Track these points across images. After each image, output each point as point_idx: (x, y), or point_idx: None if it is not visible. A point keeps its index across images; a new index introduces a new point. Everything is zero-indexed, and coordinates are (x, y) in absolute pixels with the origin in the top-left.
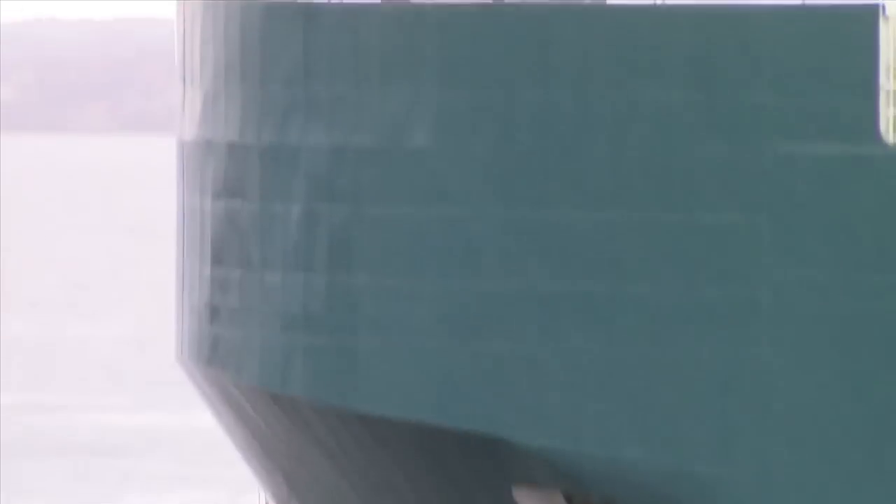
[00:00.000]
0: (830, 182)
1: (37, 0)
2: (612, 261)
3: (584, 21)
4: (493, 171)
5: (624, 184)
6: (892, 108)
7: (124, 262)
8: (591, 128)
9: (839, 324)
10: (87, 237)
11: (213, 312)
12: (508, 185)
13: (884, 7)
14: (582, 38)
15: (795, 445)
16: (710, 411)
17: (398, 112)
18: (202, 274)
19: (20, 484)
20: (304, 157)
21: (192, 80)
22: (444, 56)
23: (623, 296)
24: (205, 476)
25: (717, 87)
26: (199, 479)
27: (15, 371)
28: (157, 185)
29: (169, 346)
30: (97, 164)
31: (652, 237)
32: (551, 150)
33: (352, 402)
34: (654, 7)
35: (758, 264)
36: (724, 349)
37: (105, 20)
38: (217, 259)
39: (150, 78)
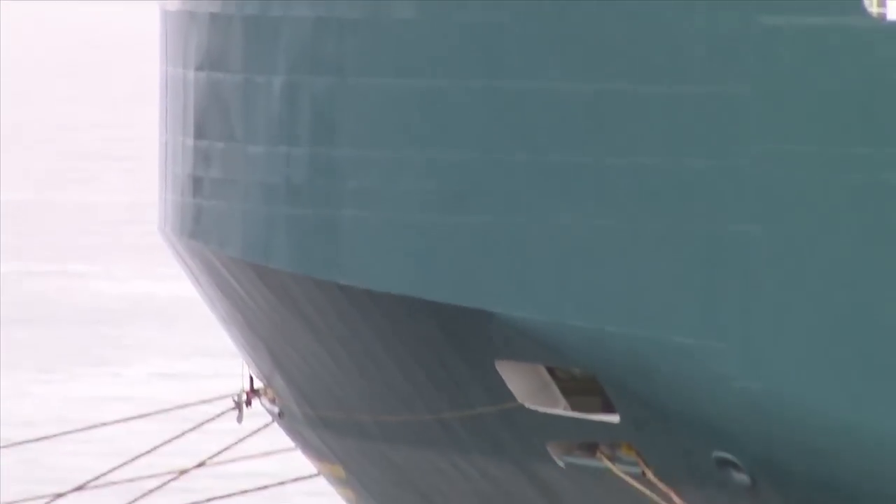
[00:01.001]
0: (815, 54)
1: None
2: (596, 131)
3: None
4: (478, 42)
5: (608, 54)
6: None
7: (120, 129)
8: None
9: (823, 196)
10: (82, 106)
11: (196, 184)
12: (493, 56)
13: None
14: None
15: (779, 318)
16: (694, 284)
17: None
18: (185, 145)
19: (16, 352)
20: (287, 28)
21: None
22: None
23: (607, 167)
24: (211, 345)
25: None
26: (206, 348)
27: (6, 237)
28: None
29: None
30: (93, 31)
31: (636, 108)
32: (536, 20)
33: (334, 275)
34: None
35: (743, 137)
36: (708, 222)
37: None
38: (200, 131)
39: None
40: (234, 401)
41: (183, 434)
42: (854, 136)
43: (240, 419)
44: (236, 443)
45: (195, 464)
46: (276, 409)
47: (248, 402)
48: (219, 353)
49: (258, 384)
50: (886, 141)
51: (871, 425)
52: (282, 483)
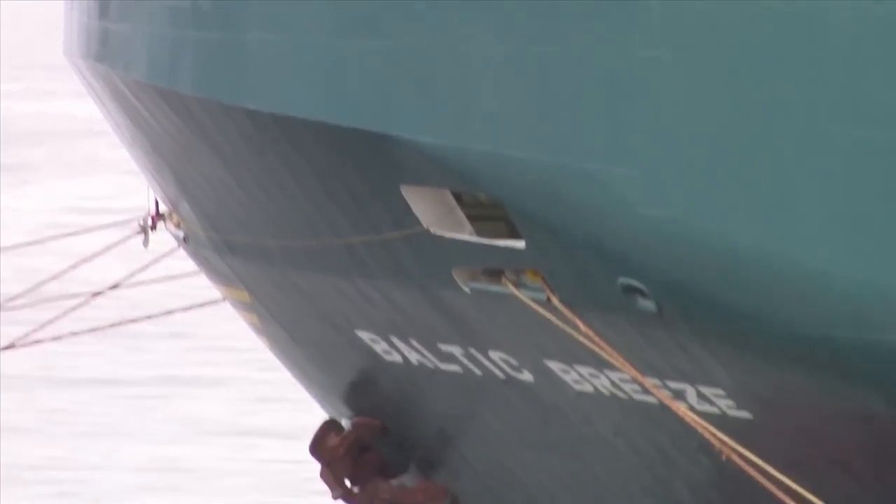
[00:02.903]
0: None
1: None
2: None
3: None
4: None
5: None
6: None
7: None
8: None
9: (729, 27)
10: None
11: (103, 7)
12: None
13: None
14: None
15: (686, 145)
16: (601, 110)
17: None
18: None
19: None
20: None
21: None
22: None
23: None
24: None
25: None
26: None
27: None
28: None
29: None
30: None
31: None
32: None
33: (240, 99)
34: None
35: None
36: (616, 47)
37: None
38: None
39: None
40: (139, 225)
41: (90, 258)
42: None
43: (146, 243)
44: (141, 269)
45: (100, 289)
46: (181, 234)
47: (154, 227)
48: (126, 173)
49: (164, 209)
50: None
51: (776, 251)
52: (187, 309)
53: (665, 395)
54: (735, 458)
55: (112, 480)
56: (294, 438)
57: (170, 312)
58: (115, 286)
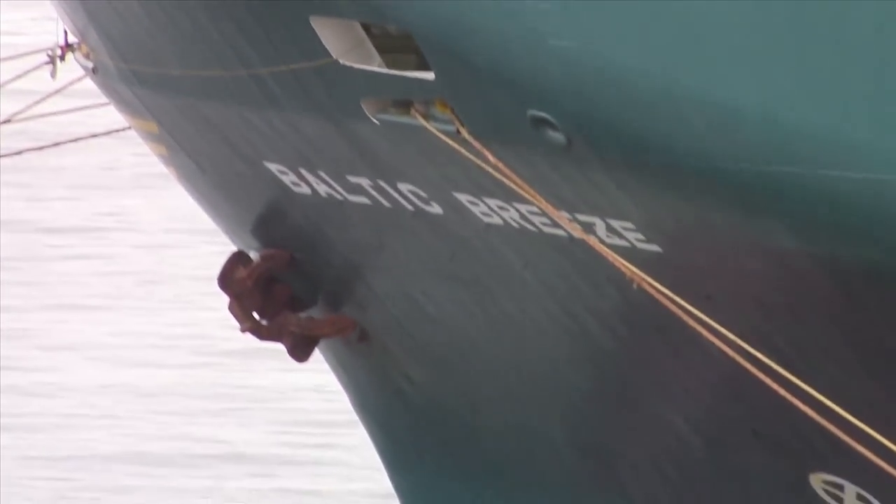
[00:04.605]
0: None
1: None
2: None
3: None
4: None
5: None
6: None
7: None
8: None
9: None
10: None
11: None
12: None
13: None
14: None
15: None
16: None
17: None
18: None
19: None
20: None
21: None
22: None
23: None
24: None
25: None
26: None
27: None
28: None
29: None
30: None
31: None
32: None
33: None
34: None
35: None
36: None
37: None
38: None
39: None
40: (48, 56)
41: None
42: None
43: (53, 74)
44: (41, 99)
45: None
46: (90, 65)
47: (62, 57)
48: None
49: (73, 39)
50: None
51: (684, 82)
52: (94, 135)
53: (575, 228)
54: (646, 286)
55: None
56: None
57: (76, 140)
58: (7, 120)
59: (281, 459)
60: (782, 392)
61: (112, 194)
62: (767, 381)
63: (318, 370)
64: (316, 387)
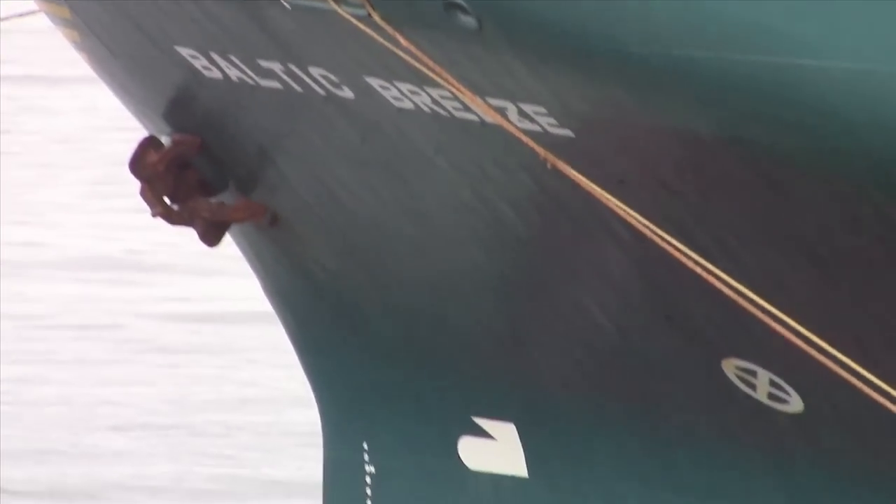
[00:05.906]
0: None
1: None
2: None
3: None
4: None
5: None
6: None
7: None
8: None
9: None
10: None
11: None
12: None
13: None
14: None
15: None
16: None
17: None
18: None
19: None
20: None
21: None
22: None
23: None
24: None
25: None
26: None
27: None
28: None
29: None
30: None
31: None
32: None
33: None
34: None
35: None
36: None
37: None
38: None
39: None
40: None
41: None
42: None
43: None
44: None
45: None
46: None
47: None
48: None
49: None
50: None
51: None
52: None
53: (488, 111)
54: (560, 165)
55: None
56: None
57: None
58: None
59: None
60: (695, 275)
61: None
62: (680, 264)
63: None
64: None
